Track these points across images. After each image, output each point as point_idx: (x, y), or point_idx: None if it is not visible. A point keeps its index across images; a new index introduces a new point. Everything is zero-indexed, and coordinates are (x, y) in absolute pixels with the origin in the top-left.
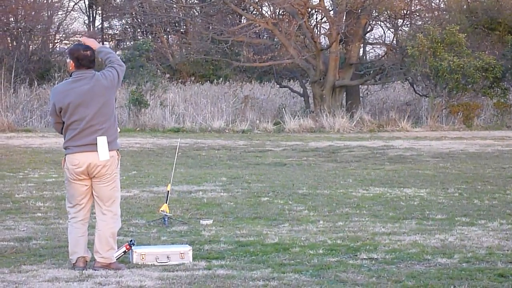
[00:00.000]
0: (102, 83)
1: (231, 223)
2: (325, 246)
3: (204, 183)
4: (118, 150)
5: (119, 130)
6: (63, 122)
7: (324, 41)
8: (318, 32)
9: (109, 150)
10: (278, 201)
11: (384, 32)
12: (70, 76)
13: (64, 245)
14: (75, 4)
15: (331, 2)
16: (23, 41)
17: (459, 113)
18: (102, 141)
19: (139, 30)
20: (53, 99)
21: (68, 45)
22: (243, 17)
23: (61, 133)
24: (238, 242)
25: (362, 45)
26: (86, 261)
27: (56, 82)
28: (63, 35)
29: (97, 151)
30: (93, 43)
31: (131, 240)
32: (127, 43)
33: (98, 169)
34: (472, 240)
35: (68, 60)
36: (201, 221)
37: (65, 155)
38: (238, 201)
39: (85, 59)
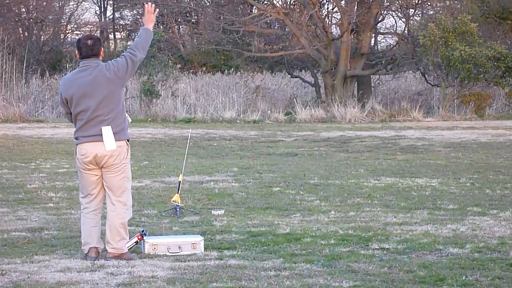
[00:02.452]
0: (105, 74)
1: (242, 213)
2: (336, 236)
3: (216, 174)
4: (128, 140)
5: (130, 120)
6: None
7: (335, 31)
8: (329, 22)
9: (117, 140)
10: (290, 191)
11: (395, 22)
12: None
13: (76, 235)
14: None
15: None
16: (34, 31)
17: (470, 103)
18: (107, 131)
19: None
20: (61, 89)
21: (79, 35)
22: (254, 7)
23: (73, 123)
24: (250, 232)
25: (373, 35)
26: (98, 252)
27: (68, 72)
28: (75, 26)
29: (103, 141)
30: (149, 20)
31: (142, 230)
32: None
33: (106, 159)
34: (484, 230)
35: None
36: (212, 212)
37: (76, 145)
38: (250, 191)
39: (84, 48)
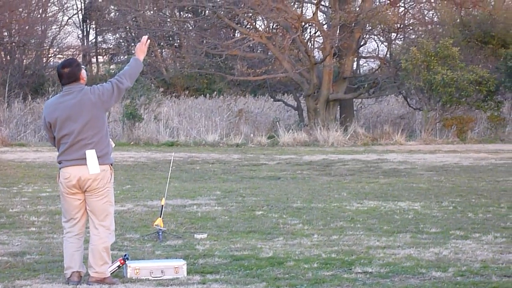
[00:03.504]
0: (89, 98)
1: (225, 237)
2: (319, 260)
3: (198, 197)
4: (111, 164)
5: (113, 145)
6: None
7: (318, 54)
8: (312, 46)
9: (101, 164)
10: (273, 215)
11: (377, 46)
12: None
13: (58, 259)
14: (69, 18)
15: (324, 16)
16: (17, 55)
17: (453, 127)
18: (90, 154)
19: (133, 44)
20: (44, 114)
21: (61, 60)
22: (237, 31)
23: (56, 147)
24: (233, 256)
25: (355, 58)
26: (81, 276)
27: (50, 96)
28: (57, 49)
29: (87, 164)
30: (141, 51)
31: (125, 255)
32: (121, 57)
33: (89, 182)
34: (467, 253)
35: None
36: (195, 235)
37: (59, 169)
38: (233, 215)
39: (62, 76)
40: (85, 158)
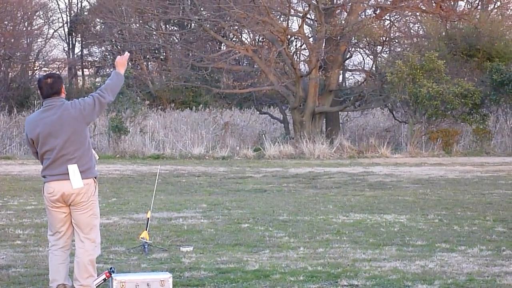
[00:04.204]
0: (70, 112)
1: (211, 250)
2: (305, 273)
3: (184, 210)
4: (95, 177)
5: (97, 157)
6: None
7: (303, 67)
8: (298, 59)
9: (84, 178)
10: (259, 228)
11: (363, 59)
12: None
13: (43, 272)
14: (55, 31)
15: (310, 29)
16: (2, 68)
17: (438, 139)
18: (73, 169)
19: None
20: (26, 130)
21: (47, 72)
22: (223, 44)
23: (40, 162)
24: (219, 269)
25: (341, 71)
26: None
27: (36, 109)
28: (43, 62)
29: (70, 179)
30: (121, 64)
31: (111, 268)
32: (107, 70)
33: (73, 197)
34: (452, 266)
35: None
36: (181, 248)
37: (43, 183)
38: (219, 227)
39: (44, 87)
40: (68, 173)
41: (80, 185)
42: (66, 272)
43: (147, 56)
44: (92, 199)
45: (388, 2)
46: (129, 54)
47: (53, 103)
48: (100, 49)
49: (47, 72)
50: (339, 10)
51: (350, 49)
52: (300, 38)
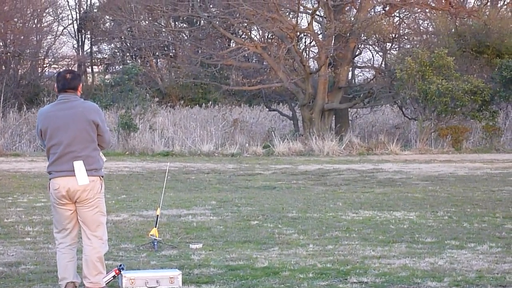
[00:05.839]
0: (83, 111)
1: (220, 247)
2: (315, 270)
3: (194, 207)
4: (101, 176)
5: (104, 159)
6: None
7: (313, 64)
8: (307, 56)
9: (90, 176)
10: (268, 225)
11: (372, 56)
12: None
13: (53, 269)
14: (64, 28)
15: (319, 26)
16: (12, 65)
17: (448, 136)
18: (78, 165)
19: (128, 54)
20: (38, 121)
21: (57, 69)
22: (232, 41)
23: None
24: (228, 266)
25: (351, 68)
26: (76, 286)
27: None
28: (52, 60)
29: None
30: None
31: (120, 265)
32: (116, 67)
33: (78, 193)
34: (462, 263)
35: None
36: (190, 245)
37: (49, 179)
38: (228, 224)
39: (62, 80)
40: (74, 170)
41: (86, 182)
42: (75, 270)
43: (157, 53)
44: (98, 196)
45: None
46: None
47: (68, 98)
48: (109, 46)
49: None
50: (348, 7)
51: (360, 46)
52: (309, 35)
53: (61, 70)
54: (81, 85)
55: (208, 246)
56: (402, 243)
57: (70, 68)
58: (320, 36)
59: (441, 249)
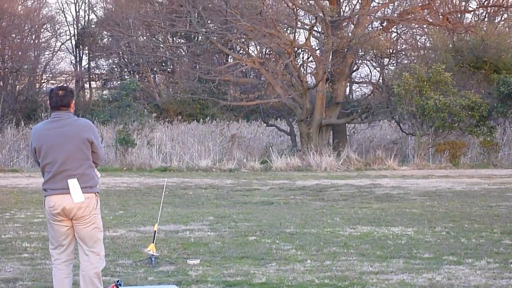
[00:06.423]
0: (77, 128)
1: (218, 263)
2: (312, 286)
3: (191, 223)
4: (97, 193)
5: (99, 175)
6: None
7: (310, 80)
8: (305, 71)
9: (85, 193)
10: (266, 240)
11: (370, 71)
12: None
13: (50, 286)
14: (62, 44)
15: (317, 42)
16: (10, 81)
17: (445, 152)
18: (72, 183)
19: (126, 69)
20: (31, 139)
21: (55, 85)
22: (229, 57)
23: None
24: (226, 282)
25: (348, 84)
26: None
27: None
28: (50, 75)
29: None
30: None
31: (118, 281)
32: (114, 83)
33: (74, 211)
34: (460, 279)
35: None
36: (188, 261)
37: (44, 196)
38: (226, 240)
39: (54, 98)
40: (69, 188)
41: (81, 199)
42: (71, 286)
43: (154, 69)
44: (94, 212)
45: (395, 15)
46: None
47: (60, 116)
48: (107, 61)
49: (61, 85)
50: (346, 23)
51: (357, 61)
52: (307, 50)
53: (53, 87)
54: (73, 101)
55: (205, 262)
56: (400, 259)
57: (62, 85)
58: (318, 51)
59: (439, 265)
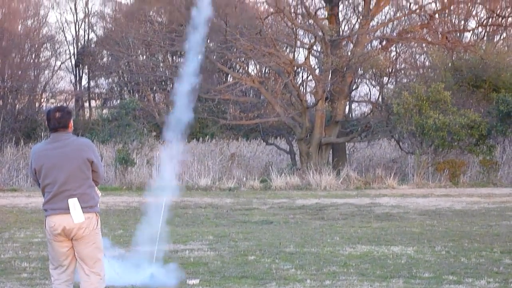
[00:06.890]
0: (77, 148)
1: (218, 283)
2: None
3: (191, 242)
4: (97, 212)
5: (100, 194)
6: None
7: (310, 99)
8: (304, 90)
9: (85, 213)
10: (265, 260)
11: (369, 90)
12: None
13: None
14: (62, 63)
15: (316, 61)
16: (9, 100)
17: (445, 170)
18: (73, 203)
19: (125, 88)
20: (31, 159)
21: (54, 104)
22: (229, 76)
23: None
24: None
25: (348, 102)
26: None
27: (43, 141)
28: (50, 94)
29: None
30: None
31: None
32: (114, 102)
33: (74, 231)
34: None
35: None
36: (187, 281)
37: (45, 216)
38: (225, 260)
39: (52, 120)
40: (69, 208)
41: (81, 219)
42: None
43: (154, 88)
44: (94, 232)
45: (394, 34)
46: None
47: (60, 136)
48: (107, 80)
49: (58, 105)
50: (345, 42)
51: (357, 80)
52: (306, 69)
53: (50, 108)
54: (71, 121)
55: (205, 282)
56: (399, 278)
57: (59, 105)
58: (317, 70)
59: (438, 284)
